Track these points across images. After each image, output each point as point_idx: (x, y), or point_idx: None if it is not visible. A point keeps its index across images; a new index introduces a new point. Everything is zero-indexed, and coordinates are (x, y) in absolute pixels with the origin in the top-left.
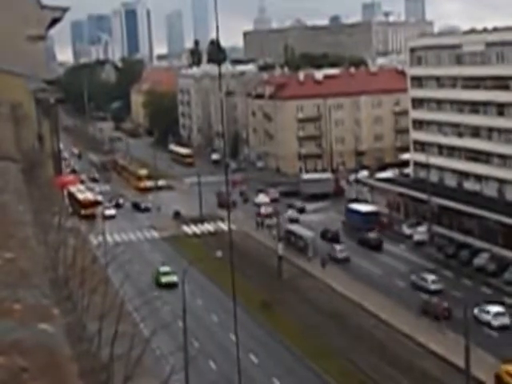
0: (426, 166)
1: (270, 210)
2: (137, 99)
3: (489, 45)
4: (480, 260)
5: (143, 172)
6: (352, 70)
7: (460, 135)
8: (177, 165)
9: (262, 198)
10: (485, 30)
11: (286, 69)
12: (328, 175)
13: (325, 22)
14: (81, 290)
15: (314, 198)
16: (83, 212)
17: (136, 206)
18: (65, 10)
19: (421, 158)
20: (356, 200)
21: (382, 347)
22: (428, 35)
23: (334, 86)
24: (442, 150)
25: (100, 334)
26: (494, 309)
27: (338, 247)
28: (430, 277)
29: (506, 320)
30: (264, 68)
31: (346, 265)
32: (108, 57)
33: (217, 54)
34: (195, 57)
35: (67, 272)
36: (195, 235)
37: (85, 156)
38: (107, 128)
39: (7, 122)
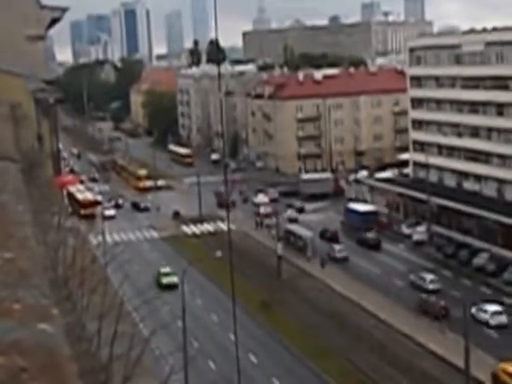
0: (426, 166)
1: (269, 209)
2: (136, 99)
3: (488, 45)
4: (479, 260)
5: (142, 172)
6: (351, 69)
7: (459, 135)
8: (176, 165)
9: (261, 197)
10: (484, 30)
11: (285, 69)
12: (327, 175)
13: (324, 22)
14: (80, 289)
15: (314, 197)
16: (83, 212)
17: (135, 206)
18: (64, 10)
19: (420, 157)
20: (356, 200)
21: (382, 347)
22: (427, 35)
23: (333, 86)
24: (442, 149)
25: (99, 334)
26: (492, 308)
27: (336, 247)
28: (429, 276)
29: (503, 319)
30: (263, 68)
31: (345, 264)
32: (107, 57)
33: (216, 54)
34: (194, 57)
35: (67, 272)
36: (194, 235)
37: (84, 156)
38: (106, 128)
39: (6, 121)
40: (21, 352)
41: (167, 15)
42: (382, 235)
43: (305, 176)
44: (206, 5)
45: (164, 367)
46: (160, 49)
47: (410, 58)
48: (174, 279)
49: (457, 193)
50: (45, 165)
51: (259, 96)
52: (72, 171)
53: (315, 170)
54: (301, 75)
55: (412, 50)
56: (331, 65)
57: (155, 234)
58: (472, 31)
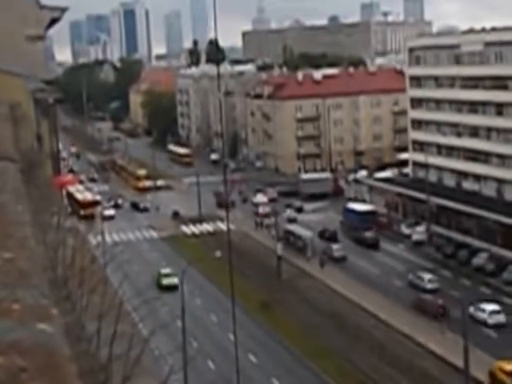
0: (425, 166)
1: (267, 209)
2: (135, 99)
3: (487, 45)
4: (479, 260)
5: (142, 172)
6: (351, 69)
7: (459, 135)
8: (175, 164)
9: (260, 197)
10: (483, 30)
11: (284, 69)
12: (327, 175)
13: (323, 22)
14: (80, 289)
15: (313, 197)
16: (82, 212)
17: (135, 206)
18: (63, 10)
19: (419, 157)
20: (355, 200)
21: (381, 347)
22: (427, 35)
23: (332, 86)
24: (441, 149)
25: (99, 334)
26: (490, 307)
27: (334, 246)
28: (427, 276)
29: (501, 318)
30: (263, 68)
31: (344, 264)
32: (107, 57)
33: (215, 54)
34: (194, 57)
35: (66, 272)
36: (194, 235)
37: (83, 156)
38: (106, 128)
39: (6, 121)
40: (20, 352)
41: (166, 15)
42: (381, 235)
43: (304, 176)
44: (205, 5)
45: (163, 367)
46: (159, 49)
47: (410, 57)
48: (175, 280)
49: (456, 193)
50: (44, 165)
51: (258, 96)
52: (71, 171)
53: (315, 170)
54: (300, 75)
55: (411, 49)
56: (330, 65)
57: (154, 234)
58: (471, 31)
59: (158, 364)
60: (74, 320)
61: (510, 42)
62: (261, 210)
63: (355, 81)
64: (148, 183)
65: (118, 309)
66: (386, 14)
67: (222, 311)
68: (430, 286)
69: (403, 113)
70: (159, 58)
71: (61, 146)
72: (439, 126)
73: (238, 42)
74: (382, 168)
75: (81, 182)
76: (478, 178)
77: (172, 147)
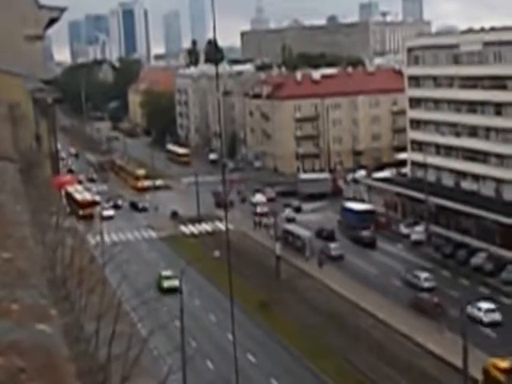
0: (424, 166)
1: (265, 209)
2: (134, 99)
3: (486, 44)
4: (477, 260)
5: (141, 172)
6: (349, 69)
7: (457, 135)
8: (173, 164)
9: (259, 197)
10: (482, 30)
11: (283, 69)
12: (326, 175)
13: (322, 21)
14: (78, 290)
15: (312, 197)
16: (81, 212)
17: (133, 206)
18: (62, 10)
19: (418, 157)
20: (354, 199)
21: (380, 347)
22: (425, 35)
23: (331, 86)
24: (440, 149)
25: (97, 335)
26: (485, 305)
27: (332, 245)
28: (423, 274)
29: (496, 316)
30: (261, 68)
31: (342, 263)
32: (105, 57)
33: (214, 53)
34: (193, 57)
35: (65, 272)
36: (193, 235)
37: (82, 156)
38: (105, 128)
39: (5, 121)
40: (19, 353)
41: (165, 15)
42: (380, 235)
43: (303, 176)
44: (204, 5)
45: (162, 367)
46: (158, 49)
47: (408, 57)
48: (176, 283)
49: (455, 192)
50: (43, 165)
51: (257, 96)
52: (70, 171)
53: (313, 170)
54: (299, 75)
55: (410, 49)
56: (329, 65)
57: (153, 234)
58: (470, 31)
59: (157, 364)
60: (73, 320)
61: (509, 42)
62: (259, 209)
63: (354, 81)
64: (147, 183)
65: (116, 309)
66: (384, 14)
67: (220, 311)
68: (426, 284)
69: (402, 113)
70: (158, 57)
71: (59, 145)
72: (438, 125)
73: (237, 42)
74: (381, 168)
75: (80, 182)
76: (476, 177)
77: (171, 147)
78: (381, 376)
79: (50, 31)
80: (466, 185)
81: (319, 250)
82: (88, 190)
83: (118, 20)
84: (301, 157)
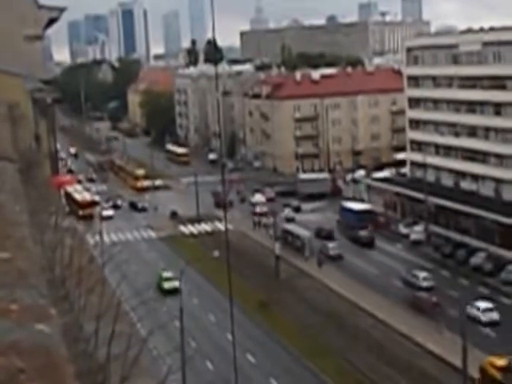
0: (423, 166)
1: (264, 209)
2: (134, 99)
3: (485, 44)
4: (477, 259)
5: (140, 172)
6: (349, 69)
7: (457, 135)
8: (173, 164)
9: (258, 197)
10: (481, 30)
11: (282, 68)
12: (325, 175)
13: (321, 21)
14: (78, 290)
15: (311, 197)
16: (81, 213)
17: (133, 206)
18: (62, 9)
19: (417, 157)
20: (353, 199)
21: (380, 347)
22: (425, 35)
23: (330, 86)
24: (439, 149)
25: (97, 335)
26: (483, 304)
27: (330, 245)
28: (422, 274)
29: (494, 315)
30: (261, 68)
31: (341, 263)
32: (105, 57)
33: (214, 53)
34: (192, 57)
35: (64, 272)
36: (192, 235)
37: (82, 156)
38: (104, 128)
39: (4, 121)
40: (18, 353)
41: (165, 15)
42: (379, 234)
43: (302, 176)
44: (203, 5)
45: (162, 367)
46: (157, 49)
47: (408, 57)
48: (176, 284)
49: (454, 192)
50: (42, 165)
51: (257, 96)
52: (70, 171)
53: (313, 170)
54: (298, 75)
55: (409, 49)
56: (329, 64)
57: (153, 234)
58: (469, 31)
59: (157, 364)
60: (72, 320)
61: (508, 42)
62: (259, 209)
63: (353, 81)
64: (146, 183)
65: (116, 309)
66: (383, 14)
67: (220, 311)
68: (425, 284)
69: (401, 112)
70: (157, 57)
71: (59, 145)
72: (437, 125)
73: (236, 42)
74: (380, 168)
75: (79, 182)
76: (475, 177)
77: (170, 147)
78: (380, 376)
79: (50, 31)
80: (466, 185)
81: (318, 249)
82: (87, 190)
83: (118, 20)
84: (300, 157)
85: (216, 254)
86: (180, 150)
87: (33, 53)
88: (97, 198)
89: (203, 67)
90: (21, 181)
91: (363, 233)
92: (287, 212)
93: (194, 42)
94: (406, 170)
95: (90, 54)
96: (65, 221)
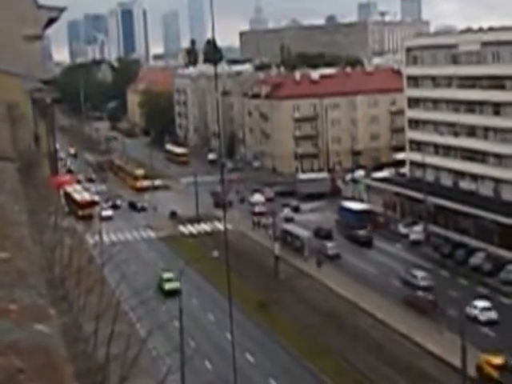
0: (422, 166)
1: (264, 209)
2: (133, 99)
3: (484, 44)
4: (476, 259)
5: (140, 172)
6: (348, 69)
7: (456, 135)
8: (172, 164)
9: (257, 197)
10: (480, 30)
11: (282, 68)
12: (324, 175)
13: (321, 21)
14: (77, 290)
15: (311, 197)
16: (80, 213)
17: (132, 206)
18: (61, 9)
19: (417, 157)
20: (352, 199)
21: (379, 347)
22: (424, 35)
23: (330, 86)
24: (438, 149)
25: (96, 335)
26: (481, 304)
27: (329, 244)
28: (420, 273)
29: (492, 315)
30: (260, 68)
31: (340, 263)
32: (104, 57)
33: (213, 53)
34: (191, 57)
35: (63, 272)
36: (191, 235)
37: (81, 156)
38: (103, 128)
39: (4, 121)
40: (18, 353)
41: (164, 15)
42: (378, 234)
43: (302, 176)
44: (202, 5)
45: (161, 367)
46: (157, 48)
47: (407, 57)
48: (177, 285)
49: (453, 192)
50: (42, 165)
51: (256, 96)
52: (69, 171)
53: (312, 170)
54: (298, 75)
55: (409, 49)
56: (328, 64)
57: (152, 234)
58: (468, 31)
59: (156, 364)
60: (72, 320)
61: (507, 42)
62: (258, 209)
63: (352, 80)
64: (146, 183)
65: (115, 309)
66: (383, 14)
67: (219, 311)
68: (423, 283)
69: (400, 112)
70: (157, 57)
71: (58, 145)
72: (436, 125)
73: (236, 42)
74: (380, 168)
75: (78, 182)
76: (475, 177)
77: (169, 147)
78: (380, 376)
79: (49, 31)
80: (465, 185)
81: (317, 250)
82: (87, 190)
83: (117, 20)
84: (299, 157)
85: (215, 253)
86: (179, 150)
87: (32, 53)
88: (96, 198)
89: (203, 67)
90: (20, 181)
91: (361, 232)
92: (286, 212)
93: (193, 42)
94: (405, 169)
95: (89, 54)
96: (64, 221)
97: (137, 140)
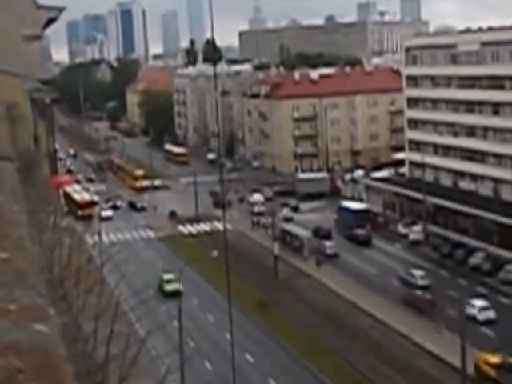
0: (422, 166)
1: (263, 208)
2: (132, 99)
3: (484, 44)
4: (475, 259)
5: (139, 172)
6: (347, 69)
7: (455, 134)
8: (172, 164)
9: (257, 197)
10: (480, 30)
11: (281, 68)
12: (324, 175)
13: (320, 21)
14: (76, 290)
15: (310, 197)
16: (80, 213)
17: (132, 206)
18: (61, 9)
19: (416, 157)
20: (352, 199)
21: (378, 347)
22: (423, 35)
23: (329, 86)
24: (438, 149)
25: (95, 334)
26: (479, 303)
27: (327, 244)
28: (418, 272)
29: (490, 314)
30: (259, 68)
31: (338, 262)
32: (103, 56)
33: (212, 53)
34: (191, 56)
35: (62, 272)
36: (191, 235)
37: (80, 156)
38: (103, 128)
39: (3, 121)
40: (17, 353)
41: (163, 15)
42: (378, 234)
43: (301, 175)
44: (202, 4)
45: (160, 367)
46: (156, 48)
47: (406, 57)
48: (178, 286)
49: (453, 192)
50: (41, 165)
51: (255, 95)
52: (68, 171)
53: (311, 170)
54: (297, 75)
55: (408, 49)
56: (327, 64)
57: (152, 234)
58: (468, 31)
59: (155, 364)
60: (71, 320)
61: (507, 42)
62: (257, 209)
63: (352, 80)
64: (145, 183)
65: (114, 309)
66: (382, 14)
67: (218, 311)
68: (421, 282)
69: (400, 112)
70: (156, 57)
71: (58, 145)
72: (436, 125)
73: (235, 42)
74: (379, 168)
75: (78, 182)
76: (474, 177)
77: (169, 147)
78: (379, 376)
79: (48, 31)
80: (464, 184)
81: (316, 249)
82: (86, 189)
83: (116, 20)
84: (299, 156)
85: (215, 253)
86: (179, 150)
87: (31, 53)
88: (96, 198)
89: (202, 67)
90: (19, 181)
91: (361, 232)
92: (286, 212)
93: (192, 42)
94: (404, 169)
95: (88, 54)
96: (63, 221)
97: (136, 140)
